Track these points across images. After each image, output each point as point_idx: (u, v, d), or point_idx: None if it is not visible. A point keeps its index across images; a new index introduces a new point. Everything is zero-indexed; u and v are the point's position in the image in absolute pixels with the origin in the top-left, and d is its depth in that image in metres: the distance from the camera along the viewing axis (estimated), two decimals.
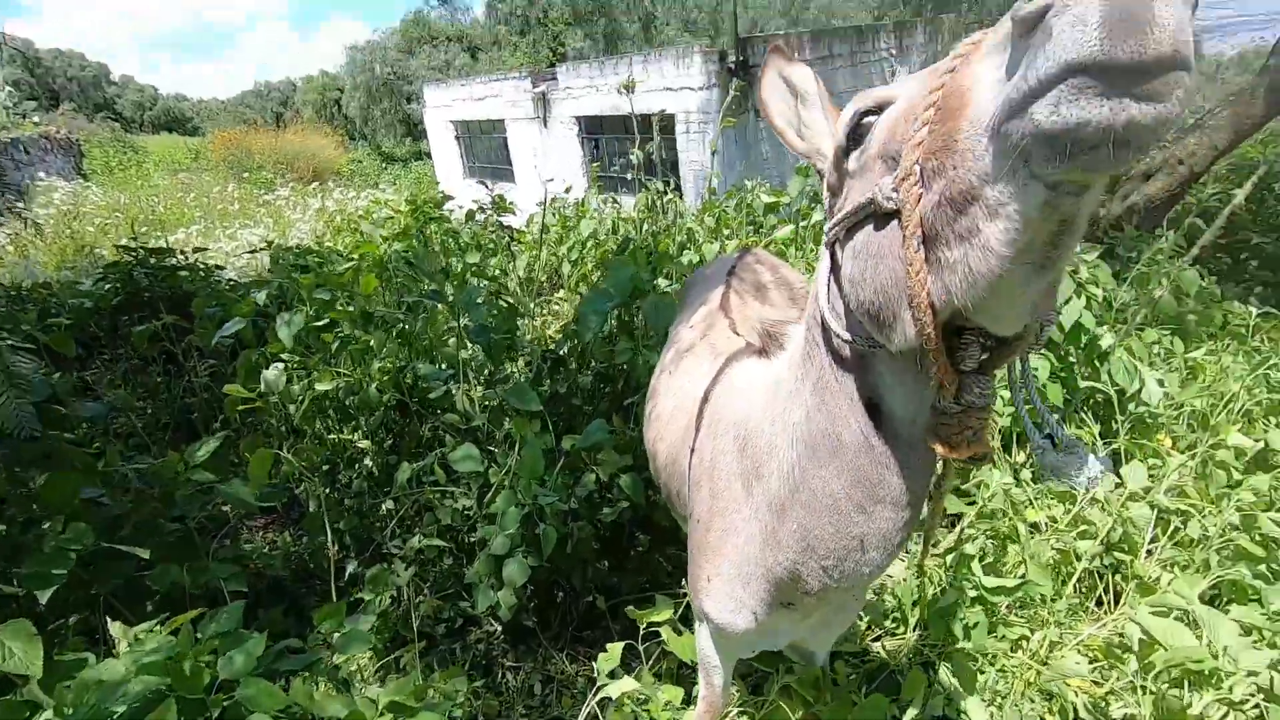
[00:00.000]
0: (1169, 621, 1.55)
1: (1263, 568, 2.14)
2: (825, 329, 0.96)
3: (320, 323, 2.91)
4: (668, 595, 2.17)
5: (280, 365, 2.81)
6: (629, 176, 4.92)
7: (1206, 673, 1.51)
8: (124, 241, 4.78)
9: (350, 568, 2.65)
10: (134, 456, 2.99)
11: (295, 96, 41.93)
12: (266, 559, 2.74)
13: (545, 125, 15.27)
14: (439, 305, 2.95)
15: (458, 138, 19.05)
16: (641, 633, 1.98)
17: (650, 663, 2.09)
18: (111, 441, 3.27)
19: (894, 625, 2.26)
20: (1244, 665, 1.44)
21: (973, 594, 1.99)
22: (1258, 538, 2.17)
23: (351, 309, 3.00)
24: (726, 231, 4.72)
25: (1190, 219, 3.64)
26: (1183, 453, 2.62)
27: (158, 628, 1.73)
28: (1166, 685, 1.59)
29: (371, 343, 2.97)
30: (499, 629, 2.53)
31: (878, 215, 0.78)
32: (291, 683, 1.66)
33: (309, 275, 3.17)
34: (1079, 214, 0.64)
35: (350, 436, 2.93)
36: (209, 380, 3.87)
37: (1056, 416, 2.78)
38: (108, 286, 4.40)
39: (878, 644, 2.21)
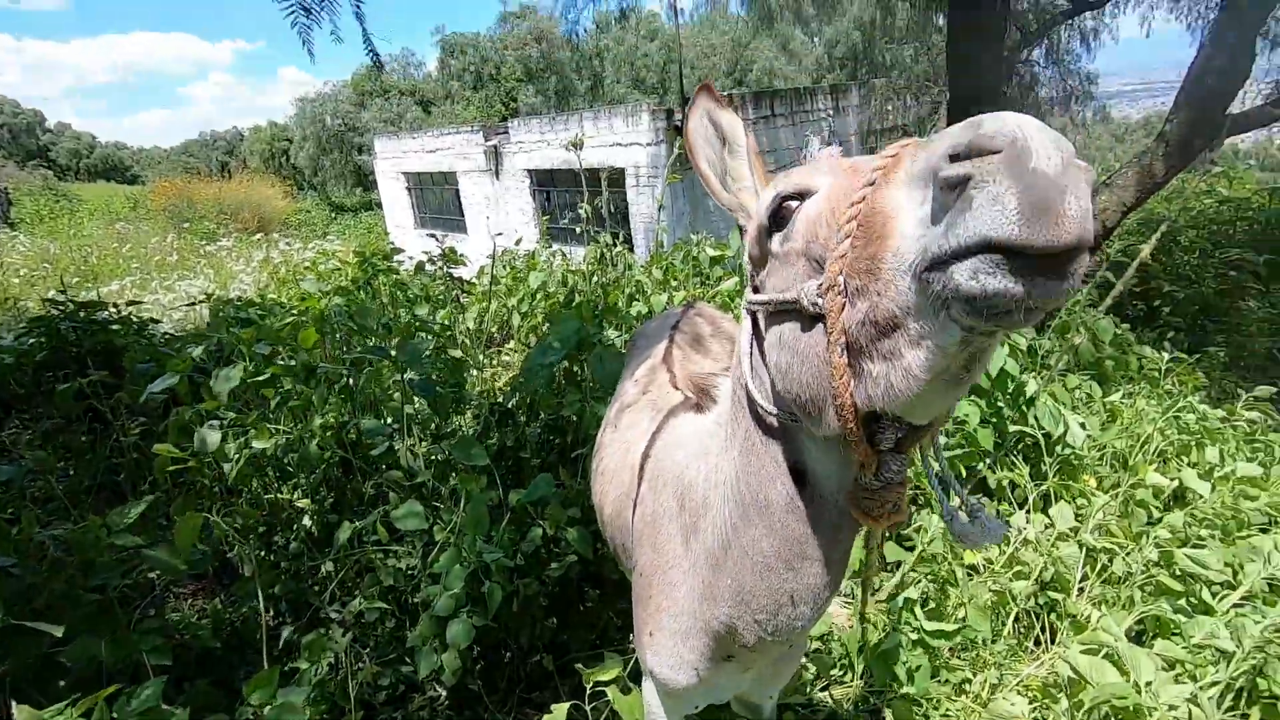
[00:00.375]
0: (1097, 659, 1.61)
1: (1182, 602, 2.24)
2: (750, 398, 1.00)
3: (260, 378, 2.84)
4: (616, 652, 2.14)
5: (216, 423, 2.72)
6: (578, 229, 5.02)
7: (1131, 709, 1.57)
8: (51, 294, 4.59)
9: (285, 634, 2.53)
10: (52, 522, 2.82)
11: (242, 146, 41.48)
12: (194, 629, 2.60)
13: (497, 177, 15.46)
14: (383, 359, 2.92)
15: (409, 189, 19.08)
16: (588, 692, 1.95)
17: None
18: (28, 506, 3.08)
19: (840, 673, 2.27)
20: (1164, 700, 1.50)
21: (915, 638, 2.03)
22: (1177, 573, 2.28)
23: (293, 364, 2.94)
24: (674, 283, 4.84)
25: (1102, 271, 3.91)
26: (1106, 492, 2.75)
27: (69, 710, 1.62)
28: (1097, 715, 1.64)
29: (313, 398, 2.91)
30: (443, 694, 2.43)
31: (803, 315, 0.83)
32: None
33: (249, 329, 3.10)
34: (993, 345, 0.72)
35: (288, 496, 2.83)
36: (139, 440, 3.70)
37: (968, 489, 2.90)
38: (31, 341, 4.21)
39: (824, 693, 2.22)
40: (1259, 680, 1.65)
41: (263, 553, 2.76)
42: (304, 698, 1.91)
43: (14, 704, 1.61)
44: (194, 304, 5.44)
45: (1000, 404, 2.93)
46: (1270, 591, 2.19)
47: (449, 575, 2.20)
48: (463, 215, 17.21)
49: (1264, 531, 2.45)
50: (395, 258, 5.33)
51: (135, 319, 4.61)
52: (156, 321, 5.15)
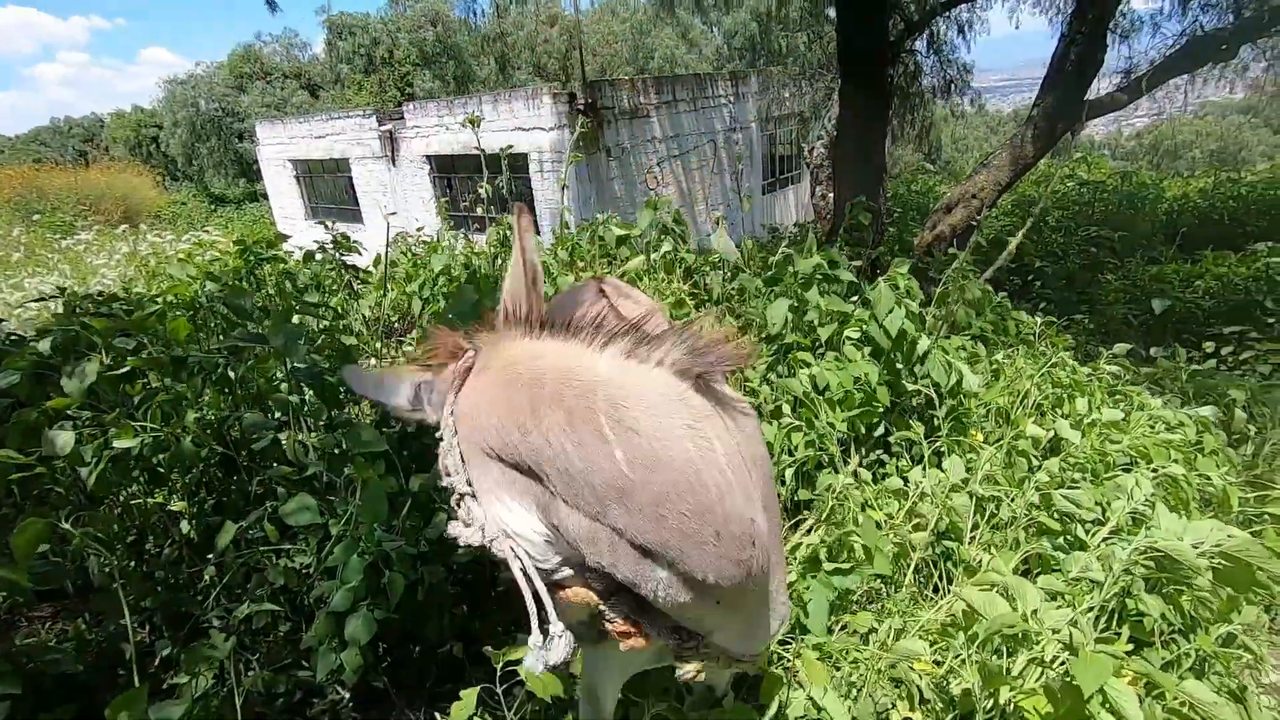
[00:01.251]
0: (989, 595, 1.70)
1: (1061, 540, 2.42)
2: None
3: (119, 372, 2.56)
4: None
5: (68, 424, 2.42)
6: (480, 211, 4.85)
7: (1020, 636, 1.66)
8: None
9: (164, 651, 2.31)
10: None
11: (103, 133, 37.64)
12: (50, 653, 2.32)
13: (394, 164, 14.79)
14: (267, 348, 2.70)
15: (298, 177, 17.93)
16: (498, 674, 1.87)
17: (515, 709, 1.97)
18: None
19: None
20: (1048, 624, 1.60)
21: (822, 590, 2.08)
22: (1055, 514, 2.45)
23: (161, 356, 2.67)
24: (581, 264, 4.77)
25: (974, 238, 4.17)
26: (991, 445, 2.93)
27: None
28: (989, 653, 1.73)
29: (186, 392, 2.65)
30: (345, 696, 2.29)
31: None
32: None
33: (103, 320, 2.78)
34: None
35: (161, 500, 2.58)
36: None
37: (868, 446, 3.04)
38: None
39: None
40: (1127, 601, 1.79)
41: (132, 564, 2.50)
42: (181, 713, 1.74)
43: None
44: (44, 299, 4.87)
45: (898, 363, 3.06)
46: (1134, 524, 2.39)
47: (346, 568, 2.07)
48: (357, 205, 16.37)
49: (1126, 471, 2.67)
50: (285, 246, 4.98)
51: None
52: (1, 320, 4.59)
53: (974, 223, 6.23)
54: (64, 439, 2.38)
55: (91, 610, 2.55)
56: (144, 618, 2.49)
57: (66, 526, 1.97)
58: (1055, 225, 10.49)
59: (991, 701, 1.68)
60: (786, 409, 2.78)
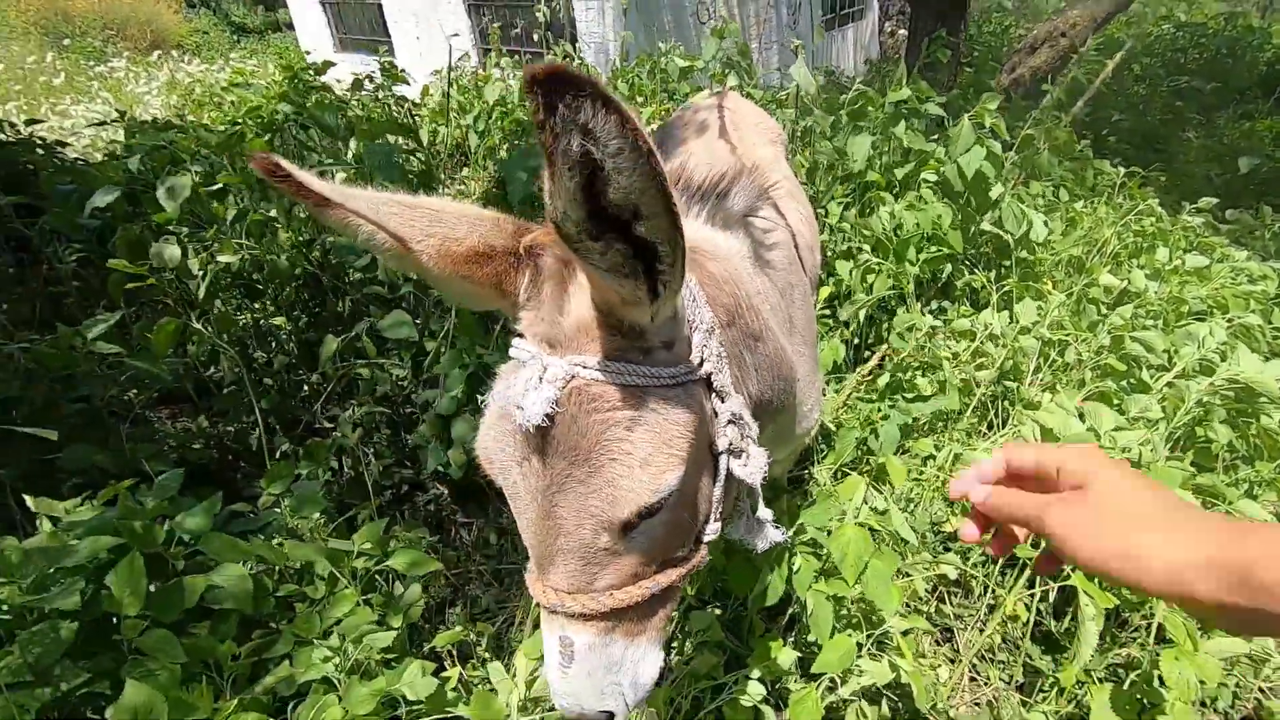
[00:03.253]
0: (1064, 416, 1.80)
1: (1124, 382, 2.48)
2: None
3: (213, 188, 2.63)
4: None
5: (171, 238, 2.54)
6: (521, 48, 4.60)
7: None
8: None
9: (283, 446, 2.57)
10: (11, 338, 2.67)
11: None
12: (184, 440, 2.60)
13: None
14: (349, 168, 2.72)
15: (324, 5, 16.87)
16: None
17: None
18: None
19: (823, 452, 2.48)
20: (1121, 443, 1.70)
21: (898, 417, 2.20)
22: (1122, 358, 2.50)
23: (250, 173, 2.72)
24: (640, 99, 4.57)
25: (1072, 76, 3.88)
26: (1062, 293, 2.93)
27: (86, 504, 1.63)
28: None
29: (274, 214, 2.73)
30: (445, 492, 2.56)
31: None
32: (252, 539, 1.64)
33: (188, 137, 2.82)
34: None
35: (262, 313, 2.74)
36: (76, 268, 3.45)
37: (934, 291, 3.05)
38: None
39: (815, 467, 2.44)
40: (1197, 429, 1.88)
41: (248, 372, 2.72)
42: (319, 488, 1.98)
43: (26, 497, 1.60)
44: (103, 124, 4.88)
45: (971, 206, 2.99)
46: (1200, 372, 2.43)
47: (449, 378, 2.23)
48: (389, 36, 15.48)
49: (1199, 319, 2.68)
50: (327, 74, 4.82)
51: (39, 139, 4.11)
52: (63, 144, 4.62)
53: (1062, 63, 5.74)
54: (170, 251, 2.51)
55: (211, 412, 2.80)
56: (260, 418, 2.74)
57: (198, 326, 2.14)
58: (1140, 74, 9.61)
59: None
60: (866, 249, 2.77)
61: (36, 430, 1.83)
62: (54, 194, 3.26)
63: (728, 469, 0.92)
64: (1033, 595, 1.80)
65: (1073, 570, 1.65)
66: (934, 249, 2.93)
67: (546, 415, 0.74)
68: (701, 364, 0.87)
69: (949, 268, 3.07)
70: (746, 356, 1.09)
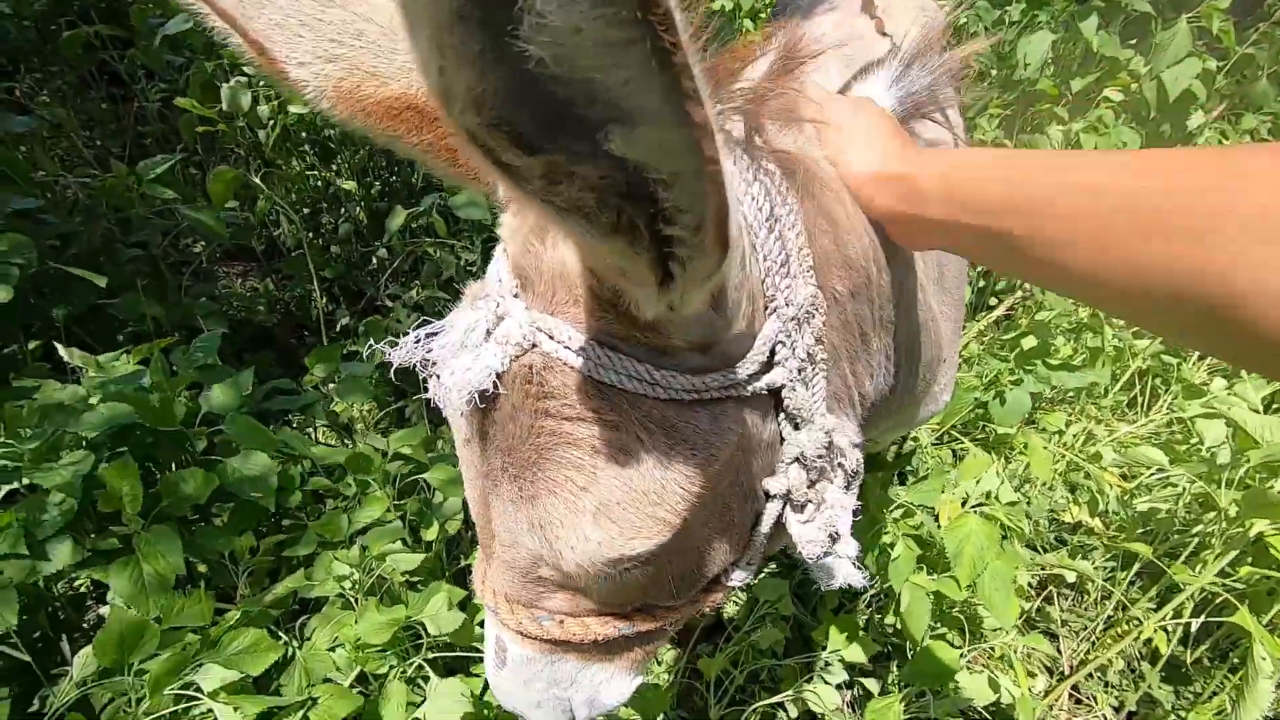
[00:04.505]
0: (1269, 418, 1.41)
1: None
2: None
3: None
4: None
5: (243, 79, 2.34)
6: None
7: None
8: None
9: (344, 319, 2.45)
10: (79, 175, 2.61)
11: None
12: (247, 303, 2.51)
13: None
14: None
15: None
16: None
17: None
18: (52, 162, 2.85)
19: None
20: None
21: (1032, 383, 1.84)
22: None
23: None
24: None
25: None
26: None
27: (125, 357, 1.52)
28: (1257, 476, 1.49)
29: None
30: None
31: None
32: (282, 428, 1.50)
33: None
34: None
35: (331, 175, 2.56)
36: (161, 107, 3.35)
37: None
38: None
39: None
40: None
41: (310, 235, 2.57)
42: (369, 372, 1.82)
43: (59, 346, 1.50)
44: None
45: (1162, 135, 2.44)
46: None
47: None
48: None
49: None
50: None
51: None
52: None
53: None
54: (240, 95, 2.32)
55: (277, 273, 2.70)
56: (323, 288, 2.62)
57: (255, 180, 1.97)
58: None
59: (1219, 529, 1.48)
60: None
61: (85, 273, 1.73)
62: (144, 28, 3.11)
63: (779, 518, 0.61)
64: (1176, 623, 1.48)
65: (1241, 606, 1.33)
66: None
67: (479, 392, 0.46)
68: (769, 368, 0.54)
69: None
70: (873, 342, 0.68)
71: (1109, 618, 1.70)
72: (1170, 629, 1.53)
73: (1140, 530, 1.78)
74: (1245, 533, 1.38)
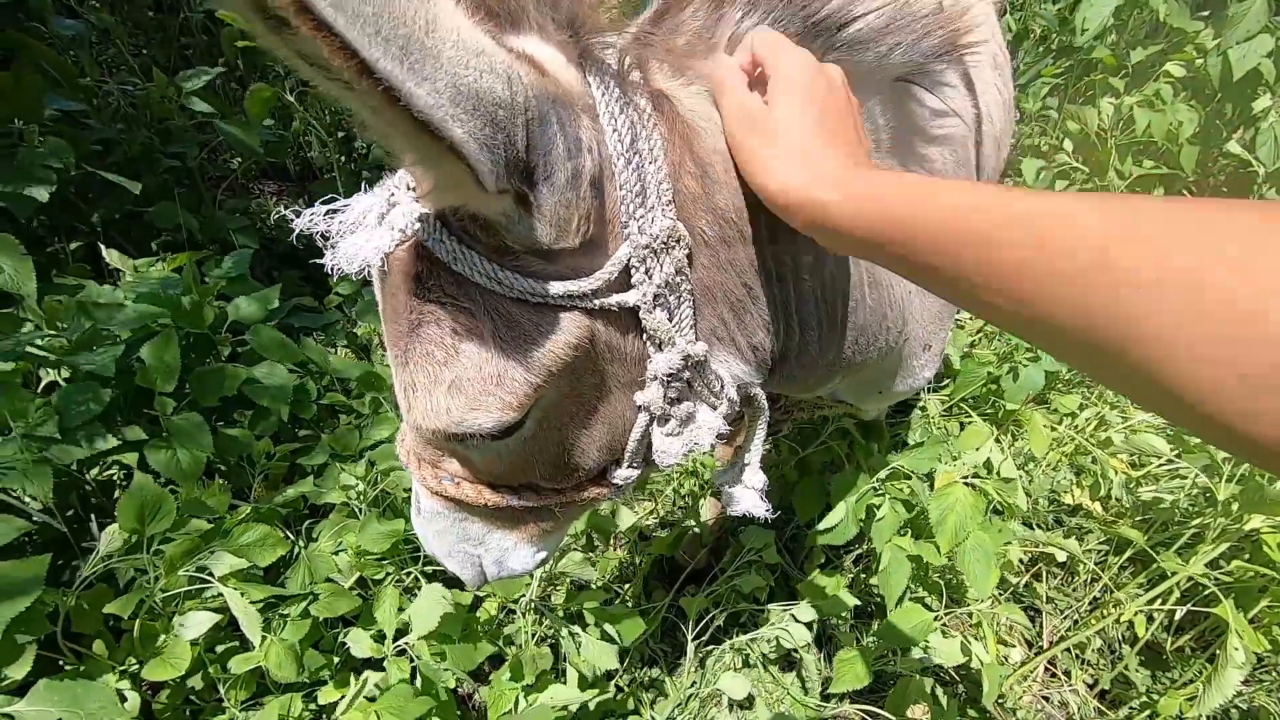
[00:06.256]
0: None
1: None
2: None
3: None
4: None
5: None
6: None
7: None
8: None
9: None
10: (122, 82, 2.65)
11: None
12: (280, 221, 2.56)
13: None
14: None
15: None
16: None
17: None
18: (97, 67, 2.89)
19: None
20: None
21: (1048, 358, 1.83)
22: None
23: None
24: None
25: None
26: None
27: (160, 264, 1.58)
28: (1258, 472, 1.48)
29: None
30: None
31: None
32: (304, 340, 1.56)
33: None
34: None
35: None
36: (205, 19, 3.36)
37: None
38: None
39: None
40: None
41: (343, 159, 2.60)
42: None
43: (103, 248, 1.56)
44: None
45: (1224, 117, 2.33)
46: None
47: None
48: None
49: None
50: None
51: None
52: None
53: None
54: None
55: (310, 195, 2.74)
56: None
57: (290, 98, 1.99)
58: None
59: (1218, 520, 1.48)
60: (1068, 147, 2.22)
61: (121, 179, 1.78)
62: None
63: (647, 427, 0.68)
64: (1158, 609, 1.50)
65: (1225, 597, 1.34)
66: (1150, 165, 2.33)
67: (372, 267, 0.53)
68: (625, 289, 0.59)
69: (1161, 193, 2.46)
70: (761, 296, 0.69)
71: (1094, 599, 1.72)
72: (1154, 615, 1.54)
73: (1140, 518, 1.78)
74: (1240, 527, 1.38)
